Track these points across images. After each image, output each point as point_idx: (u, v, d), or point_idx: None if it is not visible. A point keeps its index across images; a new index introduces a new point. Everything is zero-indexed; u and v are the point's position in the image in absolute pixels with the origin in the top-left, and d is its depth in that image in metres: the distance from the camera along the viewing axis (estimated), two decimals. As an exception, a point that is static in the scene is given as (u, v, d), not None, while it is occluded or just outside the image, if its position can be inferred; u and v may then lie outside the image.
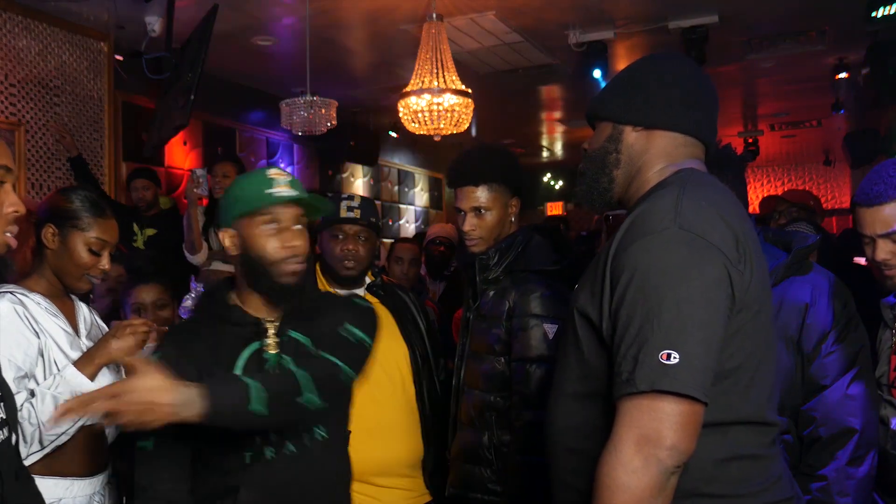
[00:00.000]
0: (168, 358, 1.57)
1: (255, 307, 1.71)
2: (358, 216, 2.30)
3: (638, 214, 1.37)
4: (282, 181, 1.67)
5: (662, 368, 1.23)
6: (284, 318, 1.72)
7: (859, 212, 1.83)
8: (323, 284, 2.34)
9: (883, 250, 1.80)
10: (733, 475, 1.33)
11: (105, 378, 1.99)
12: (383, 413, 2.27)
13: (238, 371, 1.64)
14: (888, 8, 4.37)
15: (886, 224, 1.78)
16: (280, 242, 1.65)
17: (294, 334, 1.71)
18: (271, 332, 1.70)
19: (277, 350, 1.69)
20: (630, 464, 1.22)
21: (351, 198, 2.34)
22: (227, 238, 1.69)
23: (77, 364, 1.89)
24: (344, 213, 2.30)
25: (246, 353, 1.66)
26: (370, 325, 1.81)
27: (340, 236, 2.30)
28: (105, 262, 2.00)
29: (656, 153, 1.47)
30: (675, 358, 1.23)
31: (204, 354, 1.64)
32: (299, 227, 1.69)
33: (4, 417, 1.43)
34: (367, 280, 2.41)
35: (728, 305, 1.29)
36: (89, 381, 1.88)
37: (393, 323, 2.37)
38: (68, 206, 1.97)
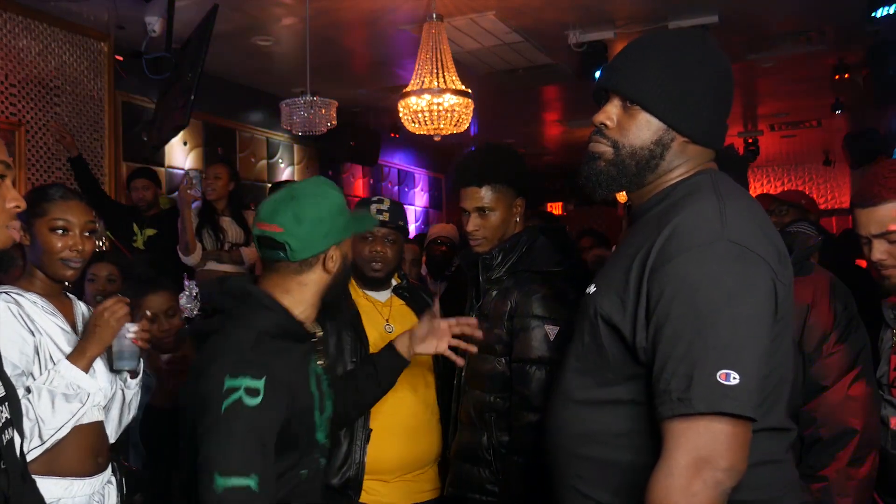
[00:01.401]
0: (275, 384, 1.50)
1: (312, 322, 1.72)
2: (387, 219, 2.32)
3: (679, 224, 1.31)
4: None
5: (722, 389, 1.19)
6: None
7: (856, 213, 1.85)
8: (351, 286, 2.34)
9: (879, 251, 1.81)
10: (758, 481, 1.32)
11: (100, 368, 1.99)
12: (405, 413, 2.27)
13: (313, 389, 1.65)
14: (888, 8, 4.36)
15: (881, 225, 1.79)
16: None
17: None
18: (320, 347, 1.74)
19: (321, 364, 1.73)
20: (689, 488, 1.19)
21: (381, 201, 2.36)
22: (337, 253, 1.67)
23: (70, 358, 1.90)
24: (374, 216, 2.31)
25: (312, 370, 1.67)
26: None
27: (369, 238, 2.32)
28: (76, 242, 1.99)
29: (686, 158, 1.44)
30: (734, 378, 1.20)
31: (289, 375, 1.58)
32: None
33: (9, 417, 1.43)
34: (394, 282, 2.43)
35: (773, 318, 1.28)
36: (84, 374, 1.89)
37: None
38: (27, 200, 1.98)
